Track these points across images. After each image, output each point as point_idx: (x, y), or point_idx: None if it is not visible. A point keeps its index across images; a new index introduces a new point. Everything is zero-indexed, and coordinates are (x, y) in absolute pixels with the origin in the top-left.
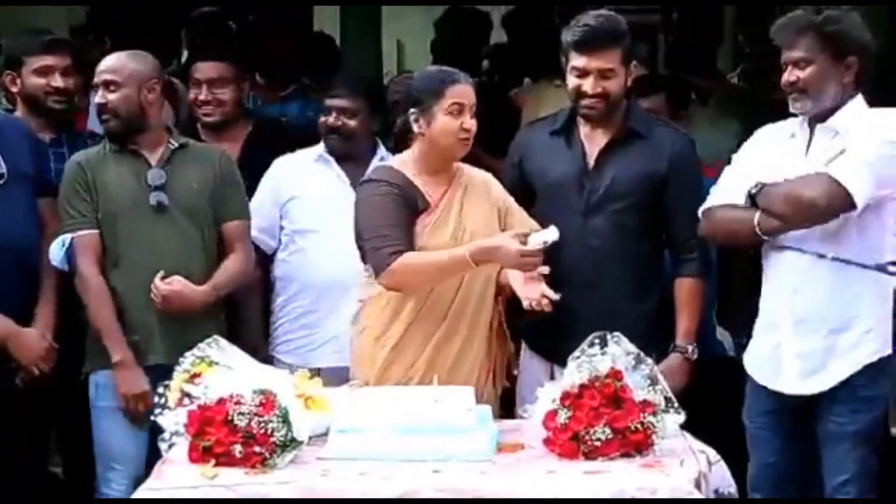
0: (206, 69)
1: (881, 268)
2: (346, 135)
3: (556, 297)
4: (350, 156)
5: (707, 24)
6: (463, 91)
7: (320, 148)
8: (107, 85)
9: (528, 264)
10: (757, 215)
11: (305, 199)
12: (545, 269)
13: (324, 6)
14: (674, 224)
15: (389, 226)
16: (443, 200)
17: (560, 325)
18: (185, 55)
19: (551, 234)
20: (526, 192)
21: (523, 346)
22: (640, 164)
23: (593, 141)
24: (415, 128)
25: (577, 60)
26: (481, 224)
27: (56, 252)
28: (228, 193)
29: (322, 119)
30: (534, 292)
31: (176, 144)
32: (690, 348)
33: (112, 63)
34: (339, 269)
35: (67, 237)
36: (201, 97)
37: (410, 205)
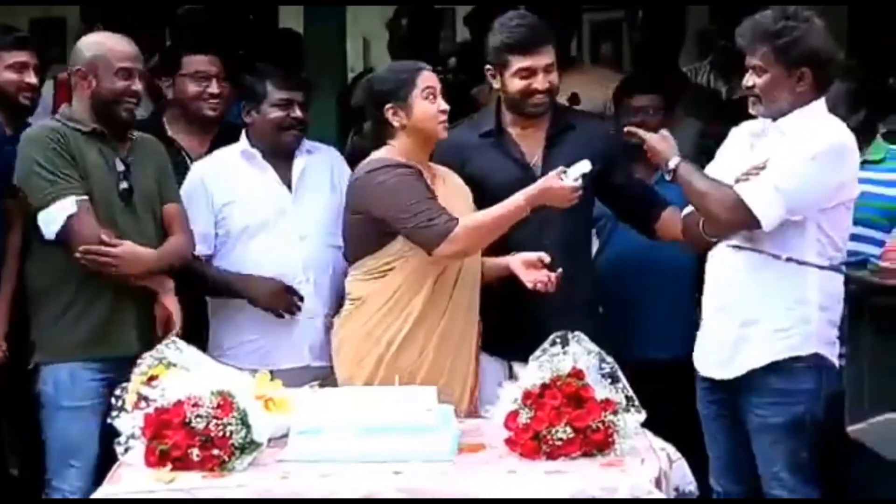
0: (210, 63)
1: (835, 268)
2: (304, 128)
3: (557, 272)
4: (285, 151)
5: (671, 22)
6: (431, 76)
7: (242, 144)
8: (139, 74)
9: (576, 198)
10: (701, 221)
11: (242, 202)
12: (546, 257)
13: (289, 6)
14: (627, 195)
15: (428, 199)
16: (433, 188)
17: (515, 321)
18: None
19: (584, 166)
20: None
21: (482, 357)
22: (585, 151)
23: (527, 140)
24: (394, 122)
25: (522, 62)
26: (463, 212)
27: (55, 216)
28: (167, 179)
29: (280, 114)
30: (537, 275)
31: (135, 135)
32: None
33: (136, 50)
34: (285, 268)
35: (71, 199)
36: (212, 90)
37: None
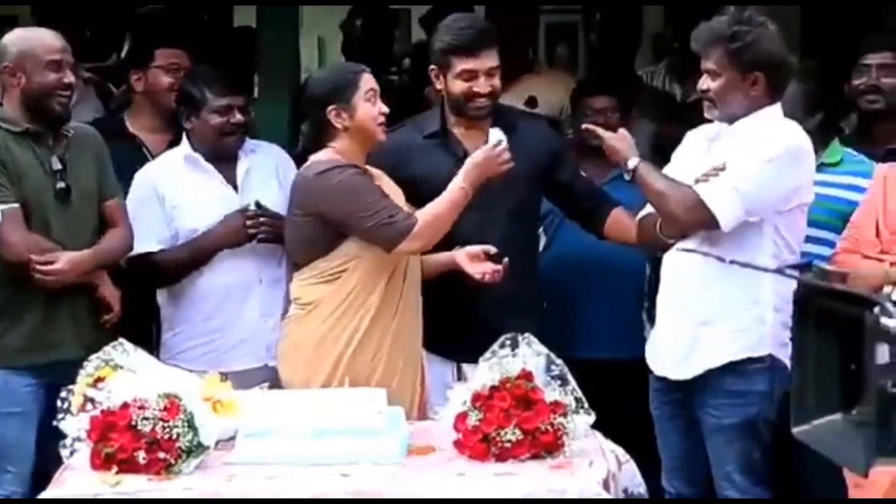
0: (182, 57)
1: (780, 271)
2: (246, 131)
3: (503, 263)
4: (227, 154)
5: (628, 25)
6: (371, 79)
7: (184, 149)
8: (69, 66)
9: (504, 160)
10: (658, 223)
11: (189, 205)
12: (491, 249)
13: (243, 5)
14: (575, 193)
15: (383, 198)
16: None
17: (461, 321)
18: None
19: (497, 134)
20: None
21: (425, 356)
22: (527, 152)
23: (472, 140)
24: (336, 124)
25: (465, 64)
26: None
27: None
28: (106, 173)
29: (221, 120)
30: (483, 266)
31: (70, 130)
32: (636, 159)
33: (64, 42)
34: (240, 270)
35: None
36: None
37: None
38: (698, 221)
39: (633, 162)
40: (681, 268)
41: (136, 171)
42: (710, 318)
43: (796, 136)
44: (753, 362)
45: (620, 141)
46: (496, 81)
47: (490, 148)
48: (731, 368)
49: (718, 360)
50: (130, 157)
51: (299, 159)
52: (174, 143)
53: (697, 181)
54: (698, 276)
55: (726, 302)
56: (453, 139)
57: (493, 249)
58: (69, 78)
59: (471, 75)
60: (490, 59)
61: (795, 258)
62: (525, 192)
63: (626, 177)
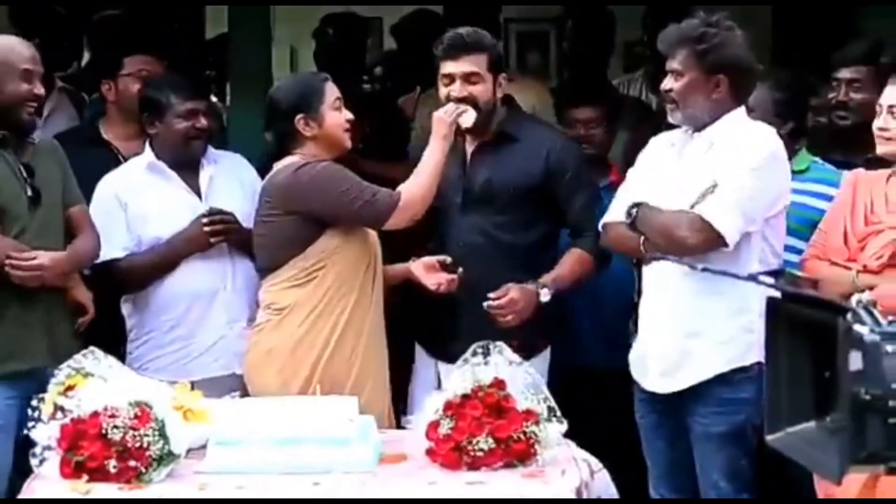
0: (152, 63)
1: (752, 277)
2: (210, 136)
3: (458, 272)
4: (191, 160)
5: (600, 32)
6: (334, 87)
7: (147, 156)
8: (39, 76)
9: (460, 111)
10: (641, 238)
11: (154, 214)
12: (447, 259)
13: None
14: (569, 214)
15: (361, 180)
16: None
17: (444, 323)
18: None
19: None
20: None
21: (417, 347)
22: (513, 166)
23: (470, 144)
24: (305, 132)
25: (445, 67)
26: None
27: None
28: (70, 180)
29: (186, 124)
30: (438, 277)
31: (36, 139)
32: (545, 291)
33: (36, 53)
34: (204, 277)
35: None
36: None
37: None
38: (706, 243)
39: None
40: (662, 278)
41: None
42: (696, 329)
43: (773, 141)
44: (742, 371)
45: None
46: (475, 89)
47: (444, 107)
48: (720, 378)
49: (707, 373)
50: (106, 165)
51: (263, 170)
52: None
53: (693, 206)
54: (681, 287)
55: (711, 313)
56: (458, 139)
57: (448, 259)
58: (39, 89)
59: (448, 80)
60: (467, 64)
61: (779, 262)
62: (516, 201)
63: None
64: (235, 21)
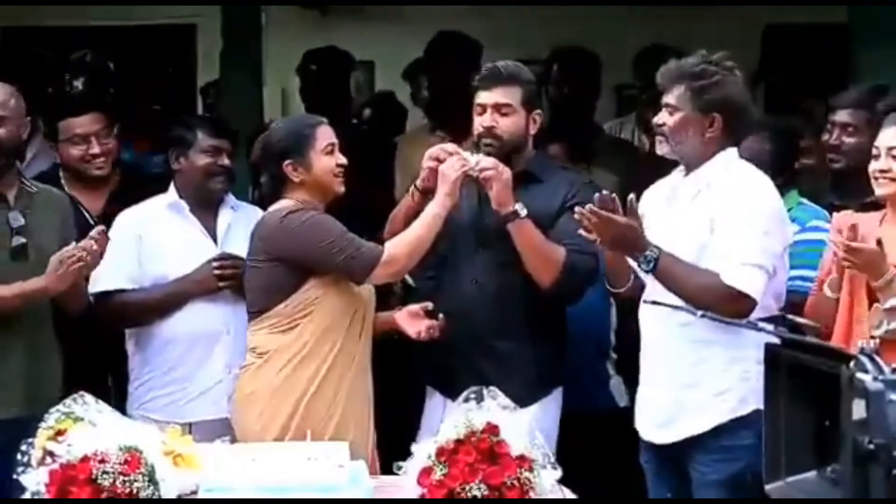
0: (86, 123)
1: (752, 324)
2: (232, 177)
3: (439, 321)
4: (212, 198)
5: (586, 76)
6: (329, 131)
7: (170, 196)
8: (13, 122)
9: (461, 164)
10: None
11: (167, 253)
12: (429, 305)
13: (207, 54)
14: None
15: (347, 233)
16: None
17: (453, 361)
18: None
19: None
20: None
21: (428, 389)
22: (532, 205)
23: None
24: (293, 178)
25: (478, 98)
26: None
27: None
28: (71, 237)
29: (209, 160)
30: (419, 325)
31: (33, 187)
32: (521, 205)
33: (2, 97)
34: (207, 319)
35: None
36: (94, 150)
37: None
38: (735, 308)
39: (652, 253)
40: (659, 326)
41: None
42: (692, 381)
43: (772, 194)
44: (740, 420)
45: (631, 230)
46: (504, 121)
47: (450, 160)
48: (718, 427)
49: (703, 425)
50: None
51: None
52: (115, 198)
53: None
54: (676, 336)
55: (706, 362)
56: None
57: (430, 305)
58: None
59: (481, 109)
60: (498, 95)
61: (777, 305)
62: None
63: (645, 268)
64: (227, 66)
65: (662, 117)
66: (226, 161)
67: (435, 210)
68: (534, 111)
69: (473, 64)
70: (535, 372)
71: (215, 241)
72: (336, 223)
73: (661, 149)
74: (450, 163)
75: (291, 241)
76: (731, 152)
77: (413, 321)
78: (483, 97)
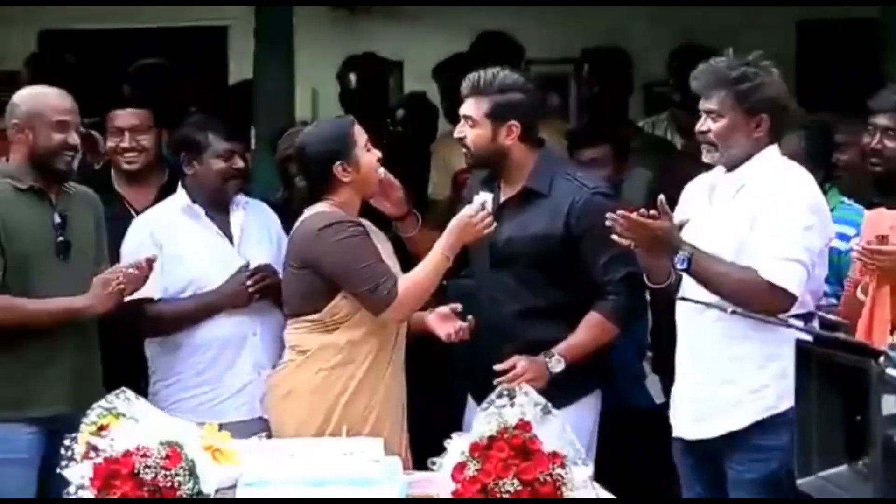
0: (125, 116)
1: (783, 321)
2: (246, 178)
3: (468, 323)
4: (225, 201)
5: (618, 75)
6: (361, 128)
7: (181, 199)
8: (76, 126)
9: (484, 225)
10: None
11: (187, 256)
12: (458, 307)
13: (240, 54)
14: (592, 272)
15: (376, 262)
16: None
17: (479, 373)
18: None
19: (481, 197)
20: None
21: (469, 400)
22: (536, 225)
23: (504, 195)
24: (343, 178)
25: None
26: (392, 267)
27: None
28: (102, 238)
29: (223, 165)
30: (450, 327)
31: (73, 188)
32: (555, 360)
33: (72, 104)
34: (235, 324)
35: None
36: (124, 144)
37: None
38: (776, 304)
39: (685, 252)
40: (694, 323)
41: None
42: (729, 377)
43: (813, 190)
44: (777, 417)
45: (664, 231)
46: (469, 131)
47: (467, 213)
48: (754, 425)
49: (740, 423)
50: (117, 214)
51: (276, 207)
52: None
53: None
54: (713, 333)
55: (742, 359)
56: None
57: (458, 307)
58: (74, 139)
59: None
60: (467, 107)
61: (816, 302)
62: (538, 261)
63: (680, 267)
64: (260, 66)
65: (706, 124)
66: (240, 163)
67: (444, 254)
68: (507, 122)
69: (515, 65)
70: (569, 376)
71: (231, 240)
72: (369, 247)
73: (709, 157)
74: (468, 211)
75: (323, 253)
76: (773, 149)
77: (443, 323)
78: (461, 107)
